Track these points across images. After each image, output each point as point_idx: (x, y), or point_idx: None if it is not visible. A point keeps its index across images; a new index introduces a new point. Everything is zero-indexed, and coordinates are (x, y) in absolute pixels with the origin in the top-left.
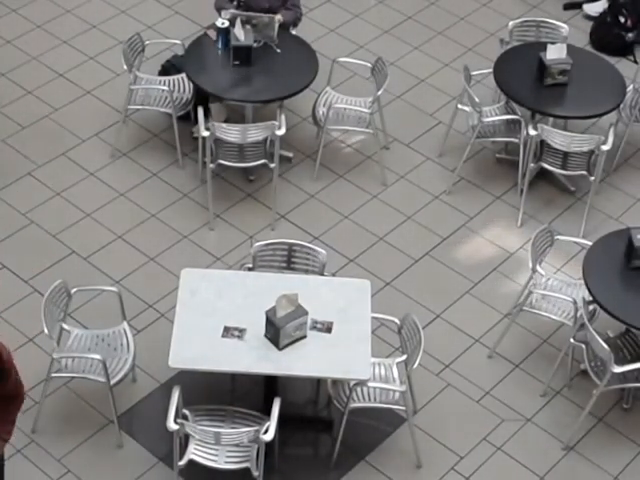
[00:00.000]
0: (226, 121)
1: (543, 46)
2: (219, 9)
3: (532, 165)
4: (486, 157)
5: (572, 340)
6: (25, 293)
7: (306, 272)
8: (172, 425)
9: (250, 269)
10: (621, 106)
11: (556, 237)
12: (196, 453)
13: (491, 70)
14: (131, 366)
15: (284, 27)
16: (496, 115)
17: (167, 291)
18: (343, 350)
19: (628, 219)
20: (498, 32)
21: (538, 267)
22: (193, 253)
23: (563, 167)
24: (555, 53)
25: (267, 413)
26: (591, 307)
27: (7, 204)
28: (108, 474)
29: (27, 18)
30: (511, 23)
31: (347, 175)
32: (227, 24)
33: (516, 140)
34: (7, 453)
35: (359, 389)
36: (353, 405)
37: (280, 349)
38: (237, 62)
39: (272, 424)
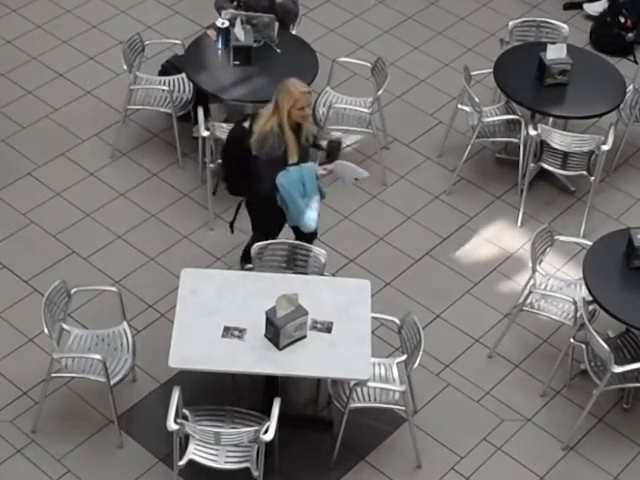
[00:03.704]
0: (226, 121)
1: (543, 46)
2: (219, 9)
3: (532, 165)
4: (486, 157)
5: (572, 340)
6: (25, 293)
7: (306, 272)
8: (172, 425)
9: (250, 269)
10: (621, 106)
11: (556, 237)
12: (196, 453)
13: (491, 70)
14: (131, 366)
15: (284, 24)
16: (496, 115)
17: (167, 291)
18: (343, 350)
19: (628, 219)
20: (498, 32)
21: (538, 267)
22: (193, 253)
23: (563, 167)
24: (555, 53)
25: (267, 413)
26: (591, 307)
27: (7, 204)
28: (108, 474)
29: (27, 18)
30: (511, 23)
31: None
32: (227, 24)
33: (516, 140)
34: (7, 453)
35: (359, 389)
36: (353, 405)
37: (280, 349)
38: (237, 62)
39: (272, 424)
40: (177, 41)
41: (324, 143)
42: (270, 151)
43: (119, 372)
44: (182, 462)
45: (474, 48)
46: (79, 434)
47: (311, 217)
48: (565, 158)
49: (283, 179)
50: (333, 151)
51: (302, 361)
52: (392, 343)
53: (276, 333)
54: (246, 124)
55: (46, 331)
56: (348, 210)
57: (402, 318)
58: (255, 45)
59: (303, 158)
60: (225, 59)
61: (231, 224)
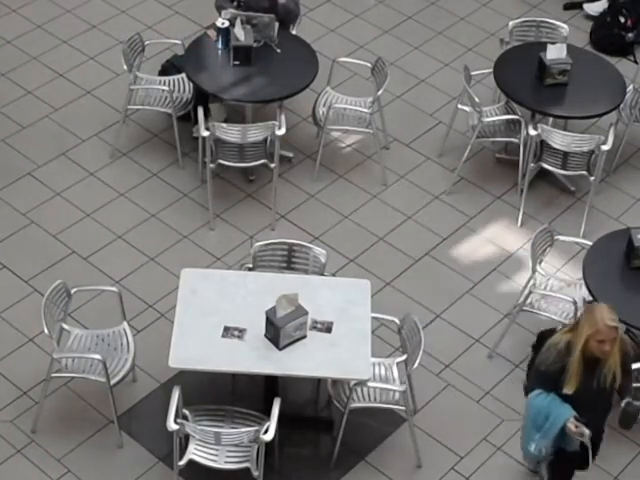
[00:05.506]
0: (226, 121)
1: (543, 46)
2: (219, 9)
3: (532, 165)
4: (486, 157)
5: None
6: (25, 293)
7: (306, 272)
8: (172, 425)
9: (250, 269)
10: (621, 106)
11: (556, 237)
12: (196, 453)
13: (491, 70)
14: (131, 366)
15: (284, 24)
16: (496, 115)
17: (167, 291)
18: (343, 350)
19: (628, 219)
20: (498, 32)
21: (538, 267)
22: (193, 253)
23: (563, 167)
24: (555, 53)
25: (267, 413)
26: None
27: (7, 204)
28: (108, 474)
29: (27, 18)
30: (511, 23)
31: (347, 175)
32: (227, 24)
33: (516, 140)
34: (7, 453)
35: (359, 389)
36: (353, 405)
37: (280, 349)
38: (237, 62)
39: (272, 424)
40: (177, 41)
41: (624, 402)
42: (541, 361)
43: (119, 372)
44: (182, 462)
45: (474, 48)
46: (79, 434)
47: (530, 450)
48: (565, 158)
49: (533, 397)
50: (625, 418)
51: (302, 361)
52: (392, 343)
53: (276, 333)
54: (558, 328)
55: (46, 331)
56: (348, 210)
57: (402, 318)
58: (255, 45)
59: (591, 400)
60: (225, 59)
61: None
